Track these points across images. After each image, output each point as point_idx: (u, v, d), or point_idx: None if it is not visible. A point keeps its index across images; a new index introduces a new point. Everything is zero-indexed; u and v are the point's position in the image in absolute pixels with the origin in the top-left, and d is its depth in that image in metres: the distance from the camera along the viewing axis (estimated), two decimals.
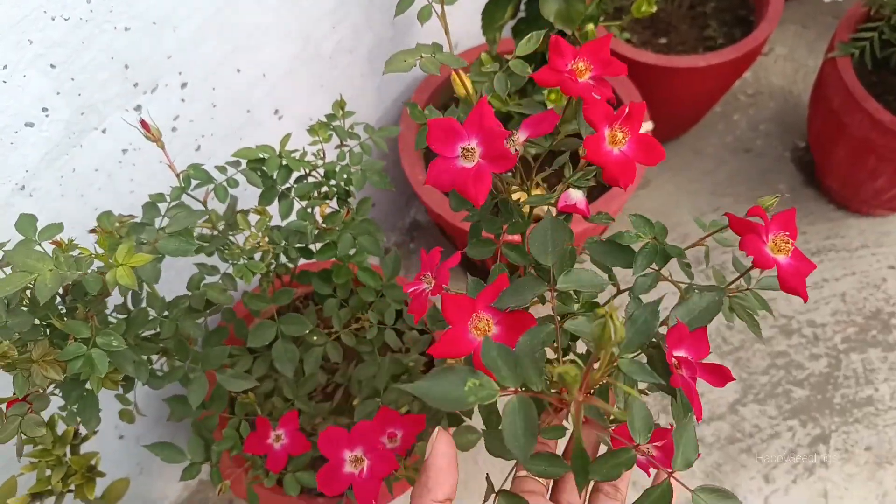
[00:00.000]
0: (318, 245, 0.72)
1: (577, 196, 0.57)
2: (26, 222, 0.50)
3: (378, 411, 0.64)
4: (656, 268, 0.50)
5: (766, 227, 0.46)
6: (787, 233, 0.46)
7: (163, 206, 0.65)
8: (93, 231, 0.60)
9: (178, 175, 0.64)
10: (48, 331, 0.51)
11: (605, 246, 0.50)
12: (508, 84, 0.56)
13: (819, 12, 1.73)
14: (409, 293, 0.48)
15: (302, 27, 0.93)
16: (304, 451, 0.70)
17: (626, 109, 0.47)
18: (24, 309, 0.48)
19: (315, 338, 0.72)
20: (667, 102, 1.35)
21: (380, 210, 1.38)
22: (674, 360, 0.42)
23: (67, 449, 0.70)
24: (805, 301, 0.44)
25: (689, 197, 1.50)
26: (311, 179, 0.75)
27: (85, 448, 0.73)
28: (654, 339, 0.45)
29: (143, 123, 0.61)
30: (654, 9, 0.85)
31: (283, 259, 0.74)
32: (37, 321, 0.50)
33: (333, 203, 0.76)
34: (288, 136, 0.75)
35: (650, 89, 1.26)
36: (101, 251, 0.50)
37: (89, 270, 0.46)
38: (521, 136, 0.52)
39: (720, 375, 0.43)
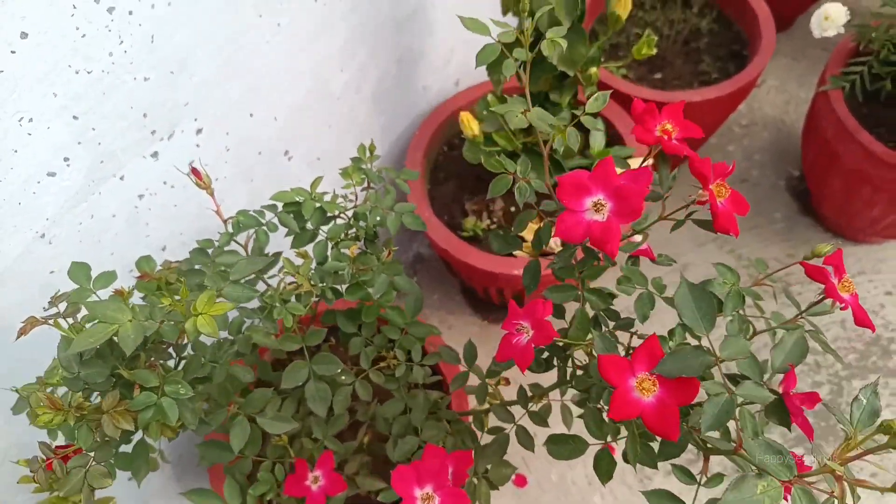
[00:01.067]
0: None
1: (643, 241, 0.63)
2: (80, 272, 0.51)
3: (425, 449, 0.64)
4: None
5: (835, 269, 0.55)
6: (846, 275, 0.55)
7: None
8: (141, 277, 0.61)
9: (225, 221, 0.65)
10: (115, 381, 0.52)
11: (695, 292, 0.52)
12: (579, 138, 0.60)
13: (809, 45, 1.78)
14: (509, 342, 0.51)
15: (311, 68, 0.95)
16: (342, 491, 0.71)
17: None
18: (96, 360, 0.49)
19: (343, 377, 0.73)
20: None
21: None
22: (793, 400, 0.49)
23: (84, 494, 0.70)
24: (873, 331, 0.56)
25: (688, 227, 1.52)
26: (339, 221, 0.77)
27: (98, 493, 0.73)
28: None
29: (195, 171, 0.63)
30: (654, 51, 0.88)
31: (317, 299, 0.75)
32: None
33: (360, 243, 0.77)
34: (319, 178, 0.76)
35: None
36: (164, 300, 0.50)
37: (164, 320, 0.47)
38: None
39: (811, 401, 0.49)
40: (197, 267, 0.61)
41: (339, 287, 0.74)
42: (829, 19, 1.14)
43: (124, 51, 0.68)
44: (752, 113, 1.68)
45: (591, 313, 0.62)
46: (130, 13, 0.67)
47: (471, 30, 0.57)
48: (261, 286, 0.72)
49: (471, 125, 0.85)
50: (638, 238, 0.63)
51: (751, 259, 1.47)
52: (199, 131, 0.82)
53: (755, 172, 1.59)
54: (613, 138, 1.22)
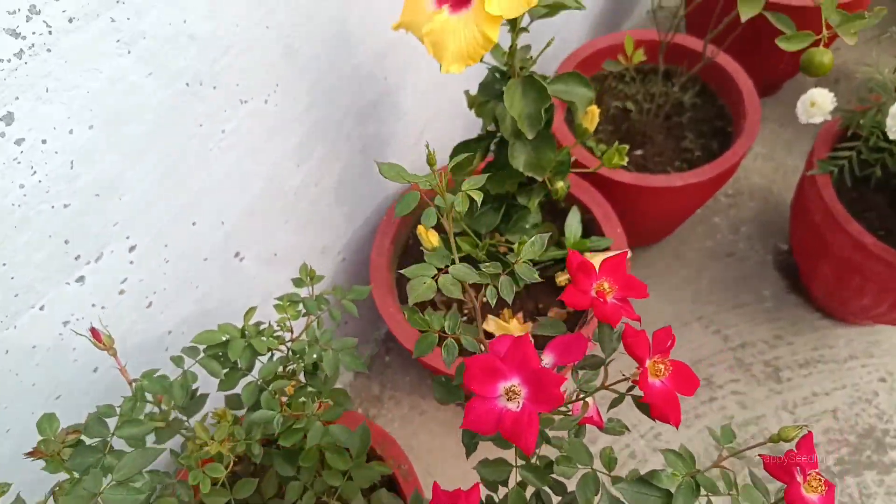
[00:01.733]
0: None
1: (591, 407, 0.56)
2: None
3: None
4: None
5: (800, 468, 0.47)
6: (817, 471, 0.48)
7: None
8: (31, 454, 0.54)
9: (130, 383, 0.59)
10: None
11: (639, 486, 0.46)
12: (514, 287, 0.53)
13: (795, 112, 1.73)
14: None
15: (265, 169, 0.89)
16: None
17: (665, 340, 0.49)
18: None
19: None
20: (644, 216, 1.33)
21: (354, 324, 1.33)
22: None
23: None
24: None
25: (671, 305, 1.46)
26: (276, 354, 0.70)
27: None
28: None
29: (94, 332, 0.56)
30: (626, 161, 0.83)
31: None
32: None
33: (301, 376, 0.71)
34: (252, 309, 0.70)
35: (626, 205, 1.23)
36: None
37: None
38: (546, 359, 0.50)
39: None
40: (91, 443, 0.55)
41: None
42: (816, 105, 1.09)
43: (38, 181, 0.62)
44: (739, 182, 1.63)
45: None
46: (44, 142, 0.61)
47: (387, 177, 0.52)
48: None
49: (430, 239, 0.79)
50: (591, 403, 0.57)
51: (738, 340, 1.41)
52: (132, 248, 0.76)
53: (742, 245, 1.53)
54: (590, 224, 1.16)
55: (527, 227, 0.93)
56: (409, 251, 1.21)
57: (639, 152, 1.34)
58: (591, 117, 0.79)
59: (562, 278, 1.07)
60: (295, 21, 0.82)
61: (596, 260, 1.08)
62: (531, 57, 0.78)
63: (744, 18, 0.91)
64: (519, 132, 0.77)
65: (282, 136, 0.89)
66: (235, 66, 0.77)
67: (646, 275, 1.49)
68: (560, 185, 0.84)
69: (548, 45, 0.81)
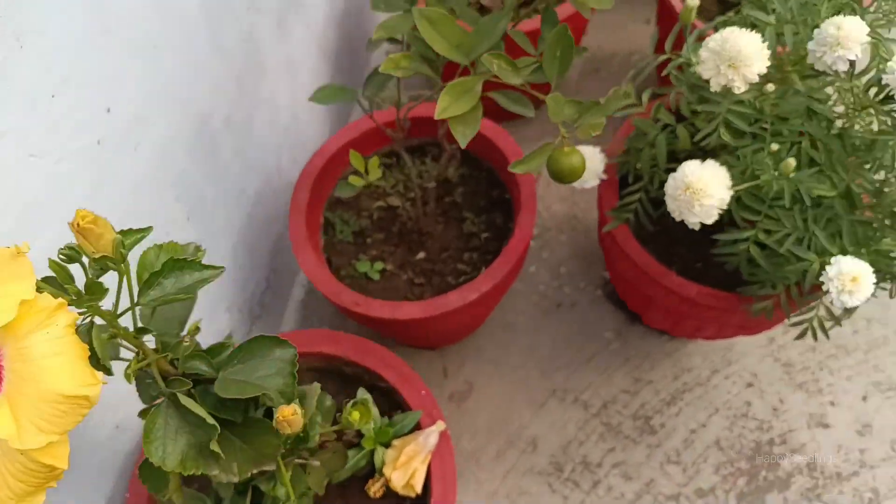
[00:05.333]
0: None
1: None
2: None
3: None
4: None
5: None
6: None
7: None
8: None
9: None
10: None
11: None
12: None
13: None
14: None
15: None
16: None
17: None
18: None
19: None
20: (446, 331, 1.14)
21: None
22: None
23: None
24: None
25: (520, 388, 1.29)
26: None
27: None
28: None
29: None
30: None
31: None
32: None
33: None
34: None
35: (423, 332, 1.04)
36: None
37: None
38: None
39: None
40: None
41: None
42: (588, 171, 0.93)
43: None
44: (541, 216, 1.47)
45: None
46: None
47: None
48: None
49: None
50: None
51: (598, 402, 1.27)
52: None
53: (567, 290, 1.39)
54: (387, 396, 0.94)
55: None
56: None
57: (421, 255, 1.13)
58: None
59: (375, 487, 0.85)
60: None
61: (409, 448, 0.86)
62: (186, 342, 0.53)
63: (463, 144, 0.71)
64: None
65: None
66: None
67: (482, 362, 1.31)
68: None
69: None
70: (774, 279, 0.88)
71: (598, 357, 1.32)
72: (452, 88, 0.70)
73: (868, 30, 0.75)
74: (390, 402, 0.94)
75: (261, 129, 1.09)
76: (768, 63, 0.78)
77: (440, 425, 0.88)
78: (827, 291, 0.78)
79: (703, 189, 0.78)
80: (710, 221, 0.81)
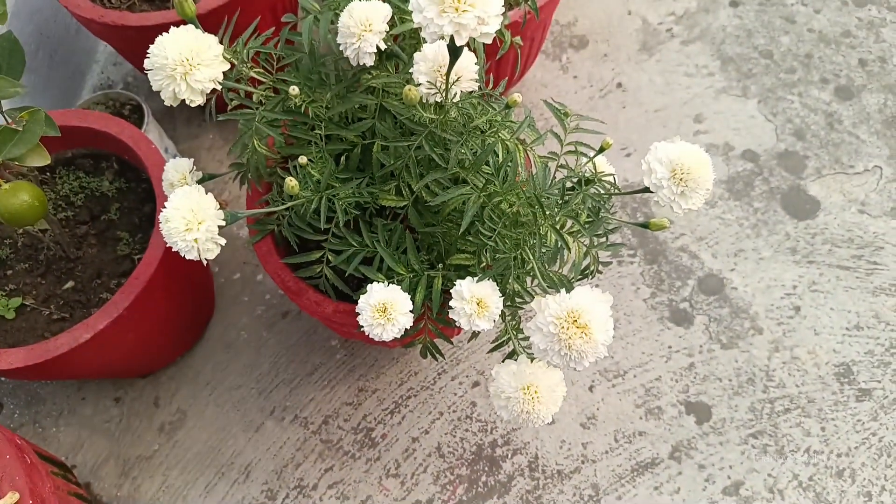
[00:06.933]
0: None
1: None
2: None
3: None
4: None
5: None
6: None
7: None
8: None
9: None
10: None
11: None
12: None
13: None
14: None
15: None
16: None
17: None
18: None
19: None
20: (113, 367, 1.03)
21: None
22: None
23: None
24: None
25: (236, 412, 1.19)
26: None
27: None
28: None
29: None
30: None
31: None
32: None
33: None
34: None
35: (82, 371, 0.93)
36: None
37: None
38: None
39: None
40: None
41: None
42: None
43: None
44: (219, 263, 1.33)
45: None
46: None
47: None
48: None
49: None
50: None
51: (319, 418, 1.18)
52: None
53: (244, 335, 1.29)
54: None
55: None
56: None
57: (69, 285, 1.01)
58: None
59: None
60: None
61: None
62: None
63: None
64: None
65: None
66: None
67: (194, 391, 1.21)
68: None
69: None
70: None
71: (322, 368, 1.23)
72: None
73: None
74: None
75: None
76: None
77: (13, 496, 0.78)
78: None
79: None
80: None
